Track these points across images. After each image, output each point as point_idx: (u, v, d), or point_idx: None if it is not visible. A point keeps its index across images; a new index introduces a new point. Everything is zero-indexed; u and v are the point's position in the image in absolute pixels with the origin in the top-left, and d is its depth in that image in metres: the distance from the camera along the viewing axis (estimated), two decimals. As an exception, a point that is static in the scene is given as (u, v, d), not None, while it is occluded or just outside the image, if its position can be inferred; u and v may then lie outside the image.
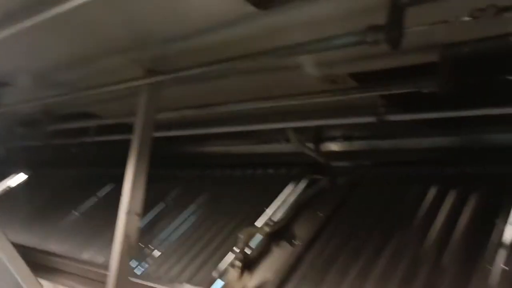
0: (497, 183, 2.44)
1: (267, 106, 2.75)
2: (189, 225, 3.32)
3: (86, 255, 3.39)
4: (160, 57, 2.63)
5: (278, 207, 3.07)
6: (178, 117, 3.34)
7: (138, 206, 2.80)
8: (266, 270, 2.60)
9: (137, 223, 2.80)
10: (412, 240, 2.35)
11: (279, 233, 2.79)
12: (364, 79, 2.29)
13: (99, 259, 3.26)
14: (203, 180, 3.85)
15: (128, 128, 3.05)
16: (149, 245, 3.19)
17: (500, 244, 2.11)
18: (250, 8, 1.81)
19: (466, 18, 1.42)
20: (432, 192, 2.58)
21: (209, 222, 3.24)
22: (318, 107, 2.71)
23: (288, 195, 3.14)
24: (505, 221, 2.20)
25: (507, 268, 1.98)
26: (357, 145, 3.09)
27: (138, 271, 2.96)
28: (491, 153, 2.50)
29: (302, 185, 3.19)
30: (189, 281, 2.75)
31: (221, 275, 2.71)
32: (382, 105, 2.35)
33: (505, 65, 1.86)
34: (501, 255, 2.06)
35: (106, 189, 4.34)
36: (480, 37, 1.65)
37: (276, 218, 2.96)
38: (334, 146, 3.21)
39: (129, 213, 2.75)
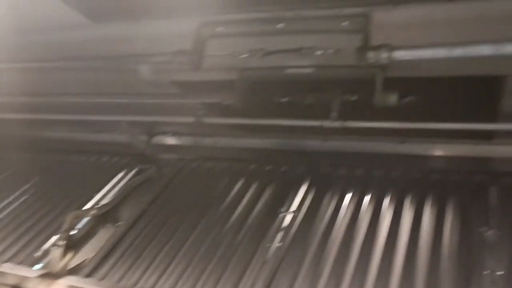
0: (286, 179, 3.06)
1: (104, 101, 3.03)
2: (16, 207, 3.41)
3: None
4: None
5: (107, 192, 3.35)
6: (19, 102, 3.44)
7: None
8: (90, 249, 2.86)
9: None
10: (218, 222, 2.85)
11: (105, 215, 3.08)
12: (185, 87, 2.73)
13: None
14: (35, 164, 3.92)
15: None
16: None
17: (279, 227, 2.69)
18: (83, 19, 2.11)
19: (245, 55, 1.92)
20: (238, 184, 3.12)
21: (37, 205, 3.38)
22: (150, 106, 3.07)
23: (117, 182, 3.44)
24: (287, 210, 2.80)
25: (281, 244, 2.57)
26: (183, 140, 3.52)
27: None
28: (284, 153, 3.14)
29: (131, 173, 3.52)
30: (10, 260, 2.88)
31: (45, 255, 2.88)
32: (201, 109, 2.81)
33: (281, 89, 2.45)
34: (279, 236, 2.64)
35: None
36: (263, 67, 2.18)
37: (104, 202, 3.23)
38: (164, 140, 3.60)
39: None
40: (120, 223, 3.02)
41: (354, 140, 3.15)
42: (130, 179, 3.44)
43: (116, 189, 3.37)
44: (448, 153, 2.99)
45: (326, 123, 2.62)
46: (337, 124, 2.60)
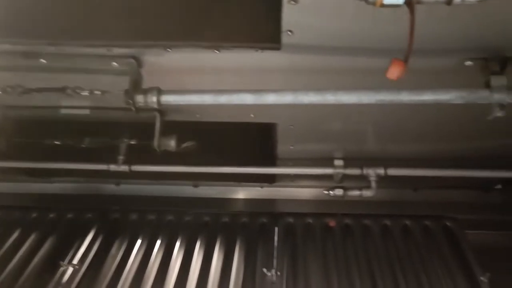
0: (71, 227, 2.80)
1: None
2: None
3: None
4: None
5: None
6: None
7: None
8: None
9: None
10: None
11: None
12: None
13: None
14: None
15: None
16: None
17: (59, 283, 2.42)
18: None
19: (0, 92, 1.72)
20: (14, 235, 2.74)
21: None
22: None
23: None
24: (69, 262, 2.54)
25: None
26: None
27: None
28: (71, 199, 2.90)
29: None
30: None
31: None
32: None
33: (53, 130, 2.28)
34: (57, 293, 2.37)
35: None
36: (24, 105, 1.98)
37: None
38: None
39: None
40: None
41: (147, 184, 3.07)
42: None
43: None
44: (237, 196, 3.11)
45: (113, 167, 2.48)
46: (124, 168, 2.48)
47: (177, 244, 2.73)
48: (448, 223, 2.79)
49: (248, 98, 1.61)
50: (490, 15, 1.36)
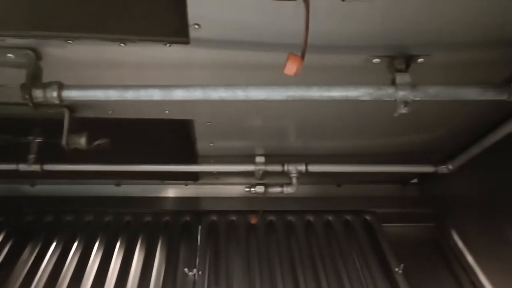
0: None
1: None
2: None
3: None
4: None
5: None
6: None
7: None
8: None
9: None
10: None
11: None
12: None
13: None
14: None
15: None
16: None
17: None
18: None
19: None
20: None
21: None
22: None
23: None
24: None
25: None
26: None
27: None
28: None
29: None
30: None
31: None
32: None
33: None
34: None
35: None
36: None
37: None
38: None
39: None
40: None
41: (65, 183, 2.93)
42: None
43: None
44: (161, 194, 3.03)
45: (23, 167, 2.33)
46: (36, 167, 2.34)
47: (96, 245, 2.62)
48: (367, 217, 2.87)
49: (155, 94, 1.55)
50: (394, 12, 1.38)
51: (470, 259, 2.50)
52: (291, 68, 1.19)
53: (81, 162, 2.46)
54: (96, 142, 1.97)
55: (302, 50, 1.17)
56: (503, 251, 2.23)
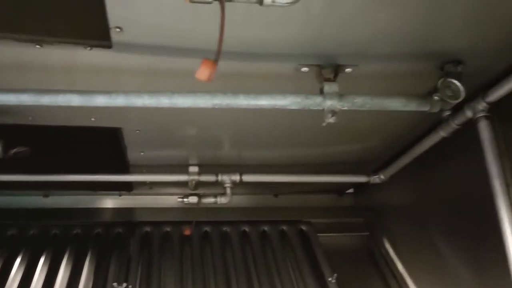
0: None
1: None
2: None
3: None
4: None
5: None
6: None
7: None
8: None
9: None
10: None
11: None
12: None
13: None
14: None
15: None
16: None
17: None
18: None
19: None
20: None
21: None
22: None
23: None
24: None
25: None
26: None
27: None
28: None
29: None
30: None
31: None
32: None
33: None
34: None
35: None
36: None
37: None
38: None
39: None
40: None
41: (-14, 195, 2.75)
42: None
43: None
44: (93, 205, 2.90)
45: None
46: None
47: (17, 261, 2.47)
48: (303, 227, 2.87)
49: (74, 100, 1.47)
50: (321, 20, 1.37)
51: (400, 266, 2.55)
52: (203, 72, 1.15)
53: (3, 172, 2.31)
54: (14, 150, 1.85)
55: (216, 55, 1.14)
56: (431, 258, 2.29)
